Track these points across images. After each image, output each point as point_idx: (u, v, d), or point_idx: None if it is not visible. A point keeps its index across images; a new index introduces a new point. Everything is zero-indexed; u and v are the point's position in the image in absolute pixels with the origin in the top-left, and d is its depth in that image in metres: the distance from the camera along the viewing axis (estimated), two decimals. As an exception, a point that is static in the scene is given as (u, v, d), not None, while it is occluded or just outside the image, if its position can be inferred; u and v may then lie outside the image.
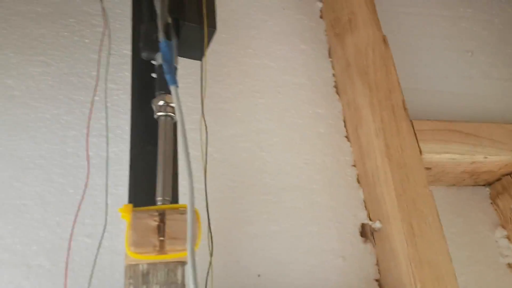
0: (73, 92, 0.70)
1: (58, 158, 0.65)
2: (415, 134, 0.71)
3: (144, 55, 0.55)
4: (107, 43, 0.67)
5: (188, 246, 0.41)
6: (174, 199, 0.50)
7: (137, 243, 0.44)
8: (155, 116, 0.52)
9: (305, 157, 0.75)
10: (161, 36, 0.51)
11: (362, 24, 0.80)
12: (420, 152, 0.69)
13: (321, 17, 0.92)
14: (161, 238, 0.45)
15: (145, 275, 0.45)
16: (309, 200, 0.71)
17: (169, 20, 0.54)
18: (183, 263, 0.46)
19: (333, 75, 0.85)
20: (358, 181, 0.75)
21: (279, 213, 0.69)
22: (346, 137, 0.79)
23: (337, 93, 0.84)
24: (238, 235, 0.66)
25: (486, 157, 0.73)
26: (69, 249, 0.54)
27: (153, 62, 0.56)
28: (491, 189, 0.85)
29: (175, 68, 0.53)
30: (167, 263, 0.46)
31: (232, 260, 0.63)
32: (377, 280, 0.67)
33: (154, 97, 0.53)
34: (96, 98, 0.67)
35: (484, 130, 0.75)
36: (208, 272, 0.53)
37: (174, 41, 0.53)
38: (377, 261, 0.68)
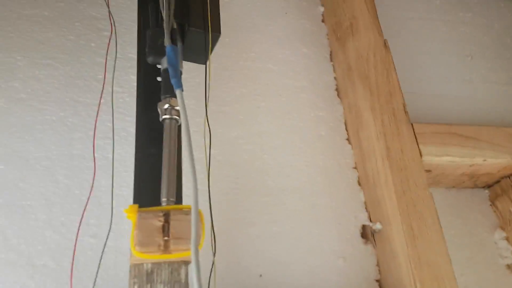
0: (79, 95, 0.72)
1: (64, 159, 0.66)
2: (415, 137, 0.72)
3: (150, 59, 0.56)
4: (113, 47, 0.68)
5: (192, 246, 0.42)
6: (178, 200, 0.51)
7: (143, 242, 0.45)
8: (160, 119, 0.53)
9: (306, 160, 0.76)
10: (166, 41, 0.52)
11: (363, 29, 0.81)
12: (420, 154, 0.70)
13: (323, 21, 0.93)
14: (166, 238, 0.46)
15: (150, 274, 0.46)
16: (310, 201, 0.72)
17: (175, 25, 0.55)
18: (186, 263, 0.47)
19: (335, 78, 0.86)
20: (359, 183, 0.76)
21: (280, 214, 0.70)
22: (347, 139, 0.80)
23: (339, 96, 0.85)
24: (240, 236, 0.67)
25: (485, 160, 0.74)
26: (74, 249, 0.55)
27: (158, 66, 0.57)
28: (490, 191, 0.86)
29: (180, 72, 0.54)
30: (171, 263, 0.47)
31: (234, 261, 0.64)
32: (377, 281, 0.68)
33: (159, 100, 0.54)
34: (102, 100, 0.68)
35: (484, 133, 0.76)
36: (211, 272, 0.54)
37: (179, 46, 0.55)
38: (378, 262, 0.69)
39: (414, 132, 0.72)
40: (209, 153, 0.60)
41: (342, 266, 0.67)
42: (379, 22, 0.82)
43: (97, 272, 0.54)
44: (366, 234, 0.71)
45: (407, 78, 0.86)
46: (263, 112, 0.79)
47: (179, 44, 0.55)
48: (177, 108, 0.53)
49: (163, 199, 0.49)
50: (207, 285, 0.52)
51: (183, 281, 0.47)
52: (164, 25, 0.53)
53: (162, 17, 0.55)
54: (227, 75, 0.81)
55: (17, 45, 0.74)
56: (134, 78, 0.73)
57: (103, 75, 0.66)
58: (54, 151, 0.66)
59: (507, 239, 0.81)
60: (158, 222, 0.46)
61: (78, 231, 0.57)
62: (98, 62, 0.75)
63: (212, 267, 0.54)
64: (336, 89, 0.85)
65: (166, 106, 0.52)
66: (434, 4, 1.03)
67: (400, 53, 0.89)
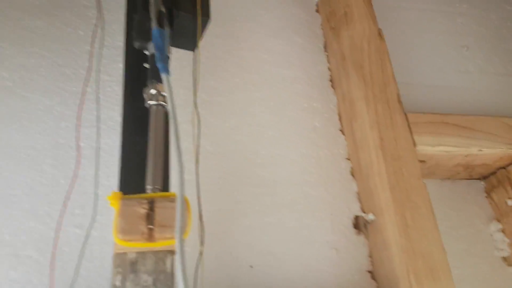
0: (67, 83, 0.70)
1: (50, 148, 0.64)
2: (409, 127, 0.70)
3: (136, 44, 0.54)
4: (101, 35, 0.67)
5: (176, 233, 0.41)
6: (165, 188, 0.50)
7: (125, 230, 0.43)
8: (147, 105, 0.52)
9: (300, 150, 0.75)
10: (153, 24, 0.51)
11: (357, 18, 0.79)
12: (414, 144, 0.69)
13: (317, 11, 0.92)
14: (150, 226, 0.45)
15: (134, 264, 0.45)
16: (303, 192, 0.71)
17: (162, 8, 0.53)
18: (172, 252, 0.46)
19: (329, 68, 0.85)
20: (352, 174, 0.75)
21: (273, 205, 0.69)
22: (341, 130, 0.79)
23: (332, 86, 0.83)
24: (231, 227, 0.65)
25: (480, 150, 0.73)
26: (56, 239, 0.54)
27: (145, 52, 0.56)
28: (486, 183, 0.85)
29: (168, 57, 0.52)
30: (156, 252, 0.45)
31: (225, 251, 0.63)
32: (370, 272, 0.67)
33: (146, 86, 0.53)
34: (89, 89, 0.67)
35: (479, 123, 0.75)
36: (198, 261, 0.52)
37: (167, 30, 0.53)
38: (370, 252, 0.68)
39: (408, 122, 0.71)
40: (197, 141, 0.59)
41: (335, 257, 0.66)
42: (374, 11, 0.81)
43: (79, 263, 0.52)
44: (358, 225, 0.70)
45: (402, 69, 0.85)
46: (256, 103, 0.78)
47: (167, 28, 0.53)
48: (164, 94, 0.51)
49: (148, 187, 0.48)
50: (194, 275, 0.51)
51: (168, 270, 0.46)
52: (151, 7, 0.51)
53: (149, 0, 0.54)
54: (220, 64, 0.80)
55: (5, 33, 0.73)
56: (122, 66, 0.71)
57: (89, 63, 0.65)
58: (39, 140, 0.65)
59: (503, 231, 0.79)
60: (142, 210, 0.45)
61: (60, 221, 0.55)
62: (86, 51, 0.73)
63: (199, 256, 0.53)
64: (330, 80, 0.84)
65: (153, 91, 0.51)
66: (430, -6, 1.02)
67: (395, 43, 0.88)
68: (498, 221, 0.81)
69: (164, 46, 0.51)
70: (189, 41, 0.60)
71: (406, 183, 0.64)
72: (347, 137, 0.77)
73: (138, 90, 0.54)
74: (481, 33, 0.99)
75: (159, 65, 0.49)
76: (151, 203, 0.45)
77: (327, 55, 0.86)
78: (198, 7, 0.56)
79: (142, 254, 0.45)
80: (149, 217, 0.45)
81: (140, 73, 0.56)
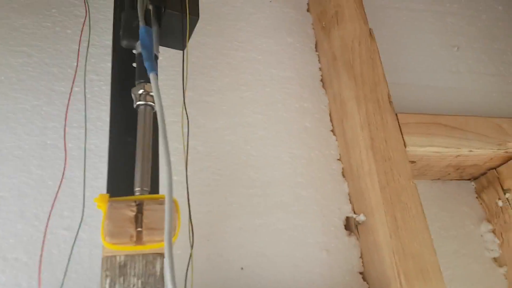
0: (54, 83, 0.69)
1: (37, 149, 0.63)
2: (399, 127, 0.70)
3: (124, 43, 0.54)
4: (88, 34, 0.66)
5: (165, 235, 0.40)
6: (154, 190, 0.49)
7: (113, 233, 0.43)
8: (135, 106, 0.51)
9: (291, 151, 0.75)
10: (140, 22, 0.50)
11: (348, 17, 0.79)
12: (405, 145, 0.69)
13: (308, 10, 0.92)
14: (139, 229, 0.44)
15: (122, 267, 0.44)
16: (294, 193, 0.71)
17: (150, 6, 0.53)
18: (161, 255, 0.45)
19: (320, 69, 0.85)
20: (343, 175, 0.74)
21: (264, 206, 0.68)
22: (332, 131, 0.78)
23: (323, 87, 0.83)
24: (222, 228, 0.65)
25: (471, 151, 0.73)
26: (44, 241, 0.53)
27: (133, 51, 0.55)
28: (476, 184, 0.85)
29: (155, 56, 0.52)
30: (145, 255, 0.45)
31: (215, 253, 0.62)
32: (361, 273, 0.66)
33: (134, 86, 0.52)
34: (77, 89, 0.66)
35: (470, 124, 0.75)
36: (188, 264, 0.52)
37: (154, 28, 0.52)
38: (361, 254, 0.68)
39: (398, 122, 0.71)
40: (187, 141, 0.58)
41: (326, 258, 0.66)
42: (364, 11, 0.81)
43: (67, 265, 0.52)
44: (349, 226, 0.70)
45: (393, 69, 0.85)
46: (247, 103, 0.77)
47: (155, 26, 0.52)
48: (152, 94, 0.51)
49: (137, 189, 0.47)
50: (184, 278, 0.50)
51: (158, 274, 0.45)
52: (138, 5, 0.50)
53: (137, -1, 0.53)
54: (210, 64, 0.79)
55: (-9, 32, 0.71)
56: (110, 65, 0.70)
57: (77, 62, 0.64)
58: (27, 141, 0.64)
59: (493, 231, 0.80)
60: (130, 212, 0.44)
61: (47, 223, 0.54)
62: (74, 50, 0.72)
63: (189, 259, 0.52)
64: (322, 80, 0.84)
65: (141, 91, 0.50)
66: (420, -6, 1.03)
67: (386, 43, 0.88)
68: (489, 221, 0.81)
69: (151, 44, 0.51)
70: (178, 40, 0.59)
71: (396, 183, 0.64)
72: (338, 137, 0.77)
73: (126, 90, 0.53)
74: (472, 33, 1.00)
75: (146, 63, 0.49)
76: (140, 206, 0.45)
77: (318, 55, 0.86)
78: (187, 6, 0.55)
79: (131, 257, 0.44)
80: (138, 220, 0.44)
81: (128, 73, 0.55)
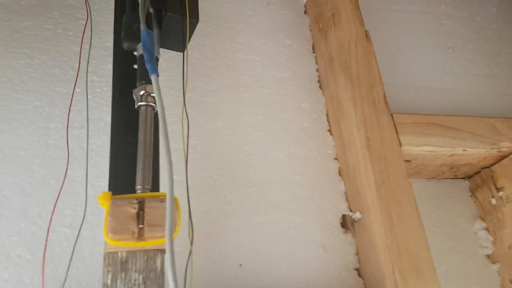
0: (56, 84, 0.70)
1: (40, 149, 0.64)
2: (395, 127, 0.72)
3: (125, 45, 0.55)
4: (90, 36, 0.67)
5: (166, 232, 0.41)
6: (155, 188, 0.50)
7: (116, 230, 0.44)
8: (136, 106, 0.53)
9: (289, 151, 0.76)
10: (142, 25, 0.51)
11: (345, 19, 0.81)
12: (400, 144, 0.70)
13: (305, 12, 0.93)
14: (140, 226, 0.45)
15: (124, 263, 0.45)
16: (292, 192, 0.72)
17: (151, 10, 0.54)
18: (162, 251, 0.46)
19: (317, 70, 0.86)
20: (340, 174, 0.76)
21: (262, 205, 0.69)
22: (329, 131, 0.80)
23: (321, 88, 0.84)
24: (221, 227, 0.66)
25: (465, 150, 0.75)
26: (47, 239, 0.54)
27: (134, 53, 0.56)
28: (470, 182, 0.87)
29: (156, 58, 0.53)
30: (146, 251, 0.46)
31: (215, 250, 0.64)
32: (356, 269, 0.68)
33: (135, 87, 0.53)
34: (78, 90, 0.67)
35: (464, 124, 0.77)
36: (188, 260, 0.53)
37: (155, 31, 0.54)
38: (357, 251, 0.69)
39: (394, 122, 0.72)
40: (187, 141, 0.59)
41: (322, 255, 0.67)
42: (360, 12, 0.82)
43: (69, 263, 0.53)
44: (346, 223, 0.71)
45: (388, 70, 0.87)
46: (246, 104, 0.78)
47: (156, 29, 0.54)
48: (153, 94, 0.52)
49: (138, 187, 0.48)
50: (184, 274, 0.52)
51: (159, 269, 0.46)
52: (139, 8, 0.52)
53: (138, 2, 0.55)
54: (209, 65, 0.80)
55: (-7, 34, 0.73)
56: (111, 67, 0.71)
57: (78, 64, 0.65)
58: (29, 141, 0.65)
59: (487, 229, 0.81)
60: (132, 209, 0.46)
61: (50, 221, 0.56)
62: (75, 51, 0.73)
63: (189, 255, 0.53)
64: (319, 81, 0.85)
65: (142, 92, 0.52)
66: (416, -4, 1.04)
67: (382, 45, 0.89)
68: (482, 219, 0.82)
69: (153, 46, 0.52)
70: (178, 42, 0.60)
71: (392, 182, 0.65)
72: (335, 137, 0.78)
73: (127, 91, 0.55)
74: (466, 35, 1.01)
75: (147, 65, 0.50)
76: (141, 203, 0.46)
77: (316, 57, 0.88)
78: (187, 9, 0.57)
79: (132, 253, 0.46)
80: (139, 217, 0.45)
81: (129, 74, 0.56)
